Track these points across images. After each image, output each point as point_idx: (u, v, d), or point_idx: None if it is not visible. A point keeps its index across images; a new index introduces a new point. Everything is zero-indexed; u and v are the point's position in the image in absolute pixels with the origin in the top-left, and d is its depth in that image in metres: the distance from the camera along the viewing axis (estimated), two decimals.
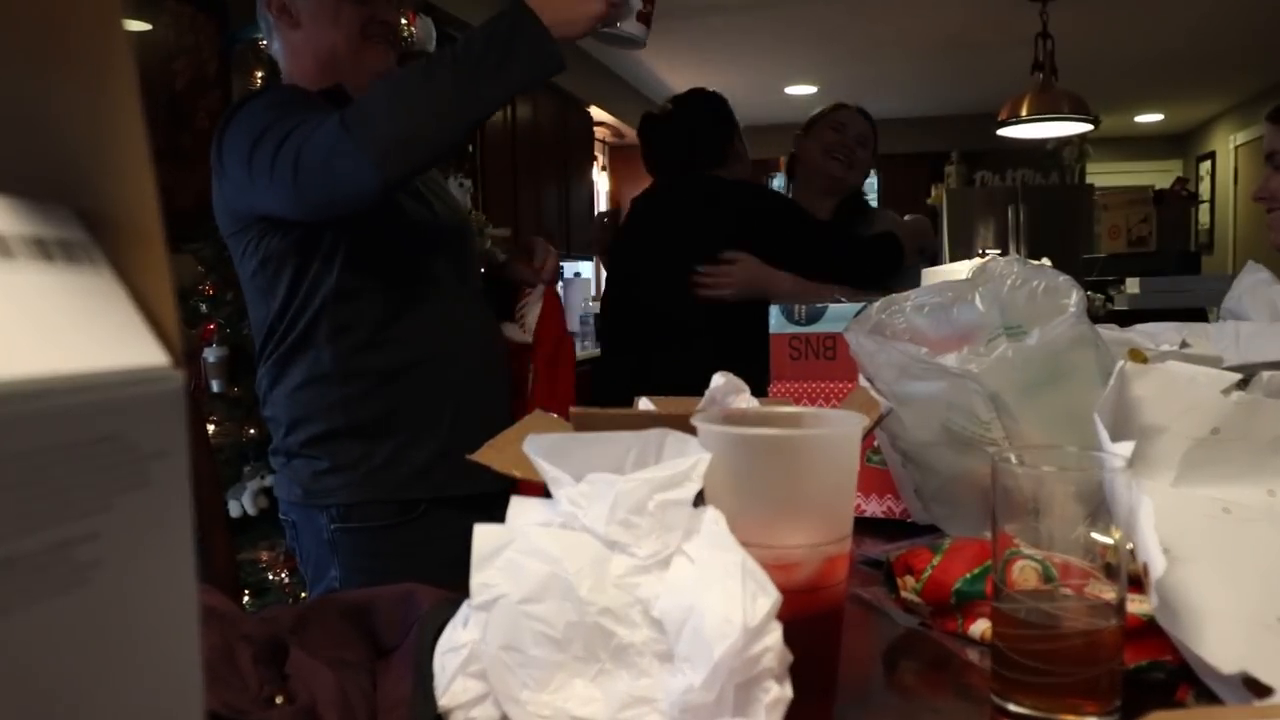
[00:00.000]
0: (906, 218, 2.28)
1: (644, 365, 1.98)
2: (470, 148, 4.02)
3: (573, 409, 0.76)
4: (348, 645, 0.63)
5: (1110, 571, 0.56)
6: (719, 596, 0.48)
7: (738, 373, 0.78)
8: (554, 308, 1.75)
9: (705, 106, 2.18)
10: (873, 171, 7.29)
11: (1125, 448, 0.61)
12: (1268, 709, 0.51)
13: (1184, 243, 6.92)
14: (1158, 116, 8.46)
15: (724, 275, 1.94)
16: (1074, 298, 0.81)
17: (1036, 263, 0.86)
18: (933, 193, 7.68)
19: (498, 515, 0.55)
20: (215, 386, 2.45)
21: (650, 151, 2.19)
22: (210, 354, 2.44)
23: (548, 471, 0.56)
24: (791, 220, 2.05)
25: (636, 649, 0.50)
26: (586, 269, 6.65)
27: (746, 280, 1.93)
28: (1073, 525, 0.57)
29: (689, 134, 2.13)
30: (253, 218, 1.39)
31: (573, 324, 5.38)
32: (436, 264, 1.48)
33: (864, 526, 1.01)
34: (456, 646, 0.54)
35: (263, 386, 1.48)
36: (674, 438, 0.55)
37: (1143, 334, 1.09)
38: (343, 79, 1.47)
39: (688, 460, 0.53)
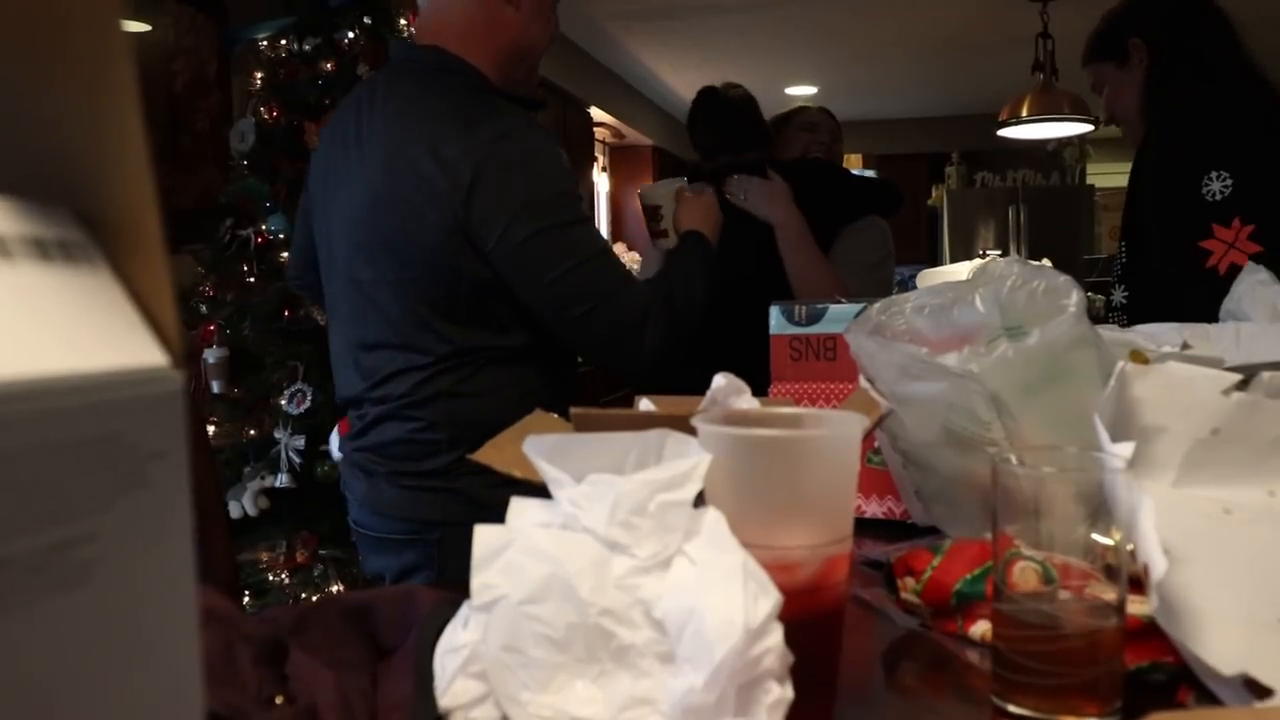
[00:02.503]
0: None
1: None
2: None
3: (573, 409, 0.76)
4: (348, 646, 0.63)
5: (1110, 572, 0.56)
6: (720, 597, 0.48)
7: (739, 373, 0.78)
8: None
9: (746, 97, 2.32)
10: (872, 171, 7.34)
11: (1125, 448, 0.61)
12: (1268, 710, 0.51)
13: None
14: None
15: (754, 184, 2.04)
16: (1074, 298, 0.81)
17: (1037, 263, 0.86)
18: (933, 193, 7.68)
19: None
20: (215, 387, 2.45)
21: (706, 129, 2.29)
22: (210, 355, 2.44)
23: (548, 472, 0.56)
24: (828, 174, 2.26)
25: (637, 650, 0.50)
26: None
27: (772, 196, 2.02)
28: (1073, 526, 0.57)
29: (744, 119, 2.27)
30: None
31: None
32: None
33: (864, 527, 1.01)
34: (457, 647, 0.54)
35: (449, 401, 1.37)
36: (674, 439, 0.55)
37: (1143, 335, 1.09)
38: (518, 77, 1.46)
39: (688, 461, 0.53)
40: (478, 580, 0.53)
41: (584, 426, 0.73)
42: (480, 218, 1.28)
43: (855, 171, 4.75)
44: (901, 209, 2.31)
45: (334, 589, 2.32)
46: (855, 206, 2.17)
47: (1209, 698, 0.57)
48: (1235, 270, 1.53)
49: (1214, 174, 1.58)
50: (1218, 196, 1.58)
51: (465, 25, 1.39)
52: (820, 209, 2.06)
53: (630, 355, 1.35)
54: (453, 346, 1.35)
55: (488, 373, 1.37)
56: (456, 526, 1.42)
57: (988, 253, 5.94)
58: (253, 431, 2.41)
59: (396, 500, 1.42)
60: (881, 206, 2.25)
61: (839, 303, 1.16)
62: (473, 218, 1.28)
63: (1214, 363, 0.82)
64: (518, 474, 0.69)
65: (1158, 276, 1.68)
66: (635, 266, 3.34)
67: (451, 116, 1.32)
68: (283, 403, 2.34)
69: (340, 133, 1.46)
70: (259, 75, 2.58)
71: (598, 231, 1.40)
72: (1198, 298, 1.45)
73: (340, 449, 1.58)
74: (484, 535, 0.54)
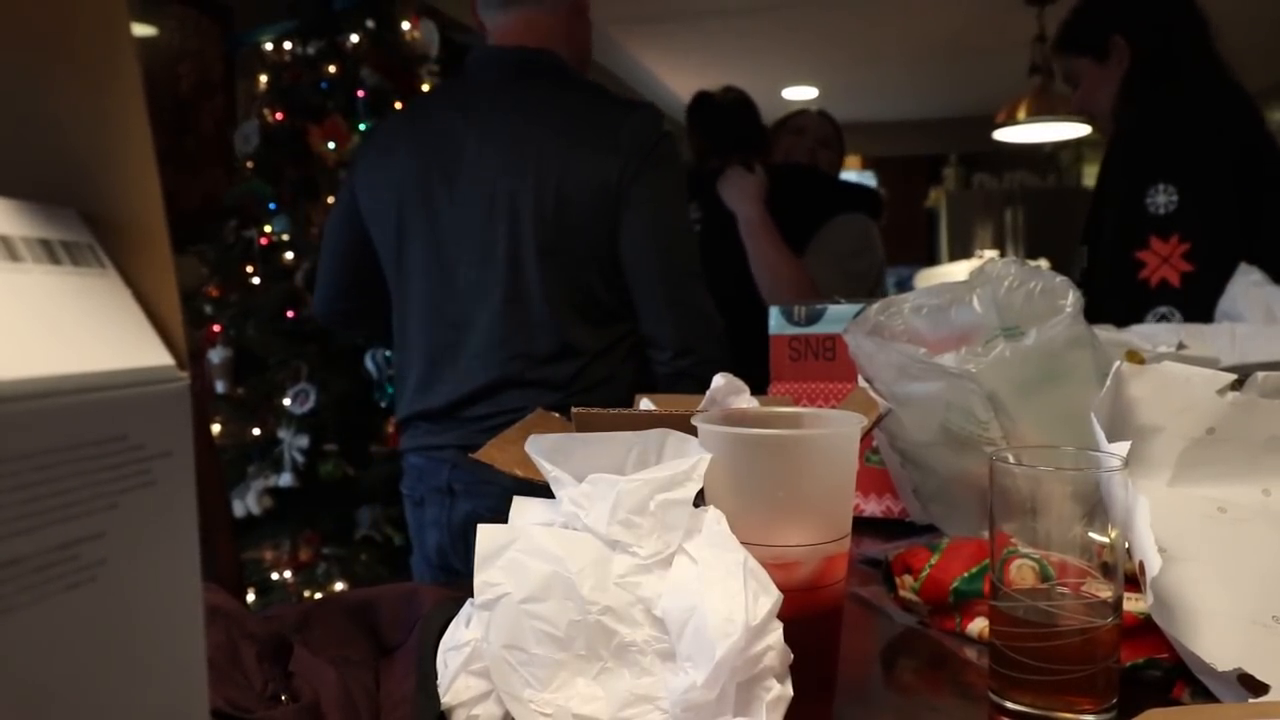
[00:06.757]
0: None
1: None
2: None
3: (575, 409, 0.76)
4: (351, 643, 0.63)
5: (1107, 570, 0.56)
6: (721, 596, 0.48)
7: (737, 373, 0.78)
8: None
9: (738, 101, 2.41)
10: (870, 173, 7.34)
11: (1122, 448, 0.61)
12: (1263, 706, 0.51)
13: None
14: None
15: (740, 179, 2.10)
16: (1070, 299, 0.81)
17: (1034, 264, 0.87)
18: (931, 195, 7.67)
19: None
20: (220, 387, 2.45)
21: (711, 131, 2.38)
22: (215, 355, 2.44)
23: (549, 472, 0.56)
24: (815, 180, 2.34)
25: (638, 648, 0.51)
26: None
27: (742, 189, 2.09)
28: (1070, 524, 0.58)
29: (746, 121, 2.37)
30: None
31: None
32: None
33: (863, 526, 1.02)
34: (459, 645, 0.54)
35: (606, 386, 1.50)
36: (675, 438, 0.55)
37: (1140, 335, 1.10)
38: None
39: (688, 460, 0.53)
40: (480, 578, 0.53)
41: (585, 426, 0.73)
42: (637, 194, 1.44)
43: (852, 175, 4.76)
44: (880, 212, 2.35)
45: (337, 587, 2.32)
46: (830, 207, 2.21)
47: (1204, 694, 0.57)
48: (1165, 286, 1.53)
49: (1161, 186, 1.57)
50: (1161, 210, 1.57)
51: (564, 35, 1.56)
52: (792, 211, 2.11)
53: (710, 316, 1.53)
54: (603, 323, 1.48)
55: (623, 358, 1.52)
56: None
57: (985, 253, 5.94)
58: (256, 431, 2.41)
59: None
60: (861, 207, 2.29)
61: (838, 303, 1.16)
62: (630, 197, 1.44)
63: (1209, 363, 0.83)
64: (520, 473, 0.70)
65: (1090, 281, 1.68)
66: None
67: (610, 106, 1.50)
68: (286, 402, 2.35)
69: (435, 125, 1.52)
70: (263, 78, 2.59)
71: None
72: (1119, 308, 1.44)
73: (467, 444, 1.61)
74: (486, 534, 0.54)
